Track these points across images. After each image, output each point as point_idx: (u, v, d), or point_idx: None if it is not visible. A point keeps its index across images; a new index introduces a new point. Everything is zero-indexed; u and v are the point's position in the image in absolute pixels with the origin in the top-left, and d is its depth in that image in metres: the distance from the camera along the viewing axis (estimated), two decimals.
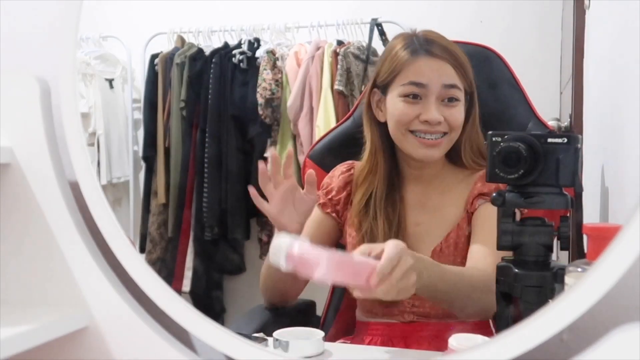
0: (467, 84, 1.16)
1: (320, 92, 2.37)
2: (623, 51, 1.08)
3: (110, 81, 2.70)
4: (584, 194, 0.87)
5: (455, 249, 1.14)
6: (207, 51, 2.55)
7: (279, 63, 2.46)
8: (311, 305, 1.42)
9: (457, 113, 1.15)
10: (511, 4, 2.37)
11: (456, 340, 0.84)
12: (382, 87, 1.18)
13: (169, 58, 2.57)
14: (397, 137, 1.18)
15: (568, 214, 0.87)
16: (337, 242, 1.27)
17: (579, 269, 0.74)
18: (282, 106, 2.46)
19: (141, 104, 2.67)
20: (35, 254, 0.87)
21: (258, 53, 2.49)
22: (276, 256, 0.78)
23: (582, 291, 0.66)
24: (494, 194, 0.87)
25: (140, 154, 2.66)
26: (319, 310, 1.41)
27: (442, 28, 1.19)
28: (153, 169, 2.61)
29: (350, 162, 1.27)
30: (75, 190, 0.87)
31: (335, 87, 2.34)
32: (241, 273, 2.63)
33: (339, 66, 2.35)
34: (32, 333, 0.78)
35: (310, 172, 1.11)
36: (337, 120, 2.26)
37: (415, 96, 1.14)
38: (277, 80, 2.44)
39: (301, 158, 2.39)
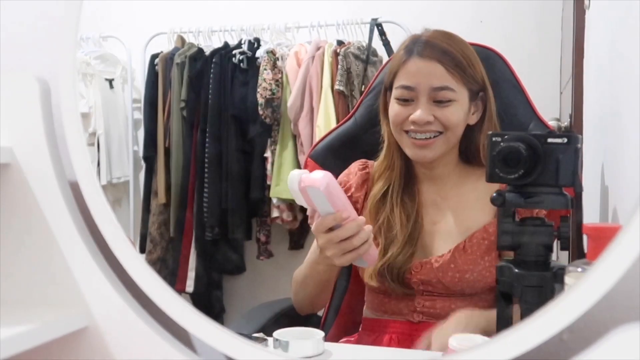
0: (469, 83, 1.15)
1: (321, 92, 2.37)
2: (623, 51, 1.08)
3: (111, 81, 2.70)
4: (583, 194, 0.87)
5: (479, 248, 1.14)
6: (207, 51, 2.54)
7: (279, 63, 2.46)
8: None
9: (450, 113, 1.14)
10: (511, 4, 2.36)
11: (456, 340, 0.84)
12: (389, 87, 1.20)
13: (169, 58, 2.56)
14: (397, 138, 1.19)
15: (568, 214, 0.87)
16: None
17: (579, 269, 0.74)
18: (282, 106, 2.45)
19: (141, 104, 2.67)
20: (35, 254, 0.87)
21: (258, 53, 2.49)
22: (292, 182, 1.02)
23: (582, 291, 0.66)
24: (494, 194, 0.87)
25: (141, 154, 2.65)
26: (319, 310, 1.41)
27: (442, 28, 1.19)
28: (153, 169, 2.60)
29: (363, 160, 1.28)
30: (75, 190, 0.87)
31: (336, 87, 2.34)
32: (241, 273, 2.63)
33: (339, 66, 2.35)
34: (32, 333, 0.78)
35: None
36: (338, 121, 2.26)
37: (405, 100, 1.15)
38: (277, 80, 2.44)
39: (301, 158, 2.39)
